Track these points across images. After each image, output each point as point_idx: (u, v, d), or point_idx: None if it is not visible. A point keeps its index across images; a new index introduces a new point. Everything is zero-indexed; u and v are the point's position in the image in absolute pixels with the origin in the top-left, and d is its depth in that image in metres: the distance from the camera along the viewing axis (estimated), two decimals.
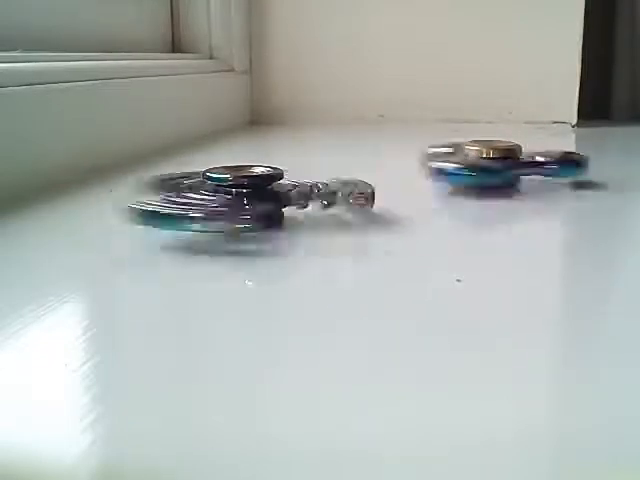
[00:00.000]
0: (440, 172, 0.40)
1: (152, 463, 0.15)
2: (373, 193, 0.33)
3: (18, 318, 0.22)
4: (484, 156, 0.41)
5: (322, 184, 0.34)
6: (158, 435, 0.16)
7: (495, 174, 0.40)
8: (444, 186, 0.41)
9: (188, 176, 0.35)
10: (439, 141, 0.45)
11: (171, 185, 0.34)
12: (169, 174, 0.36)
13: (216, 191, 0.32)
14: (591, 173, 0.42)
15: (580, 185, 0.43)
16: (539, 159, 0.42)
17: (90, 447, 0.15)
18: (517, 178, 0.42)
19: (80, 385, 0.18)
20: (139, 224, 0.29)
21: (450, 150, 0.43)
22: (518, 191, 0.42)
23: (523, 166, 0.41)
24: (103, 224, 0.34)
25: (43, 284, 0.26)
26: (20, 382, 0.19)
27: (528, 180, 0.42)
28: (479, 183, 0.40)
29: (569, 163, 0.42)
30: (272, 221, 0.31)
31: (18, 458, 0.15)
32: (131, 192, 0.34)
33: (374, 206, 0.33)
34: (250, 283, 0.27)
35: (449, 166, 0.40)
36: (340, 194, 0.33)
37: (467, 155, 0.42)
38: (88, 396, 0.18)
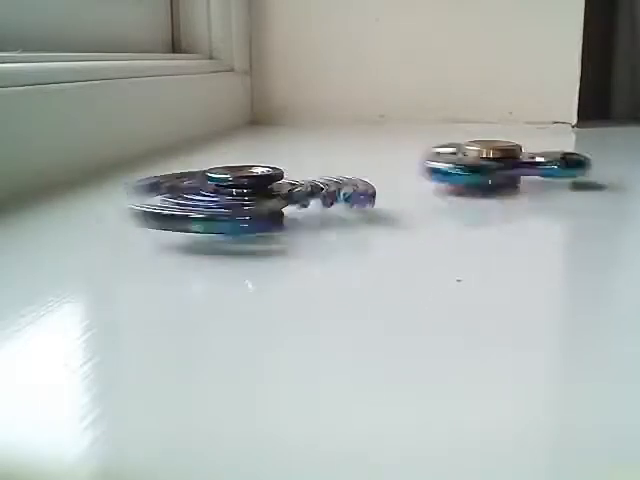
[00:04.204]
0: (439, 172, 0.40)
1: (152, 463, 0.15)
2: (374, 193, 0.33)
3: (18, 318, 0.22)
4: (484, 156, 0.41)
5: (323, 184, 0.34)
6: (158, 435, 0.16)
7: (494, 174, 0.40)
8: (444, 186, 0.41)
9: (182, 176, 0.35)
10: (439, 141, 0.45)
11: (167, 187, 0.34)
12: (162, 176, 0.35)
13: (216, 191, 0.32)
14: (591, 173, 0.42)
15: (580, 185, 0.43)
16: (539, 159, 0.42)
17: (90, 447, 0.15)
18: (517, 178, 0.42)
19: (80, 385, 0.18)
20: (140, 225, 0.29)
21: (450, 150, 0.43)
22: (518, 191, 0.42)
23: (523, 166, 0.41)
24: (103, 224, 0.34)
25: (43, 284, 0.26)
26: (20, 382, 0.19)
27: (528, 180, 0.42)
28: (479, 183, 0.40)
29: (569, 163, 0.42)
30: (272, 221, 0.31)
31: (18, 458, 0.15)
32: (128, 195, 0.33)
33: (374, 206, 0.33)
34: (250, 284, 0.27)
35: (448, 166, 0.40)
36: (342, 194, 0.33)
37: (467, 155, 0.42)
38: (88, 396, 0.18)
